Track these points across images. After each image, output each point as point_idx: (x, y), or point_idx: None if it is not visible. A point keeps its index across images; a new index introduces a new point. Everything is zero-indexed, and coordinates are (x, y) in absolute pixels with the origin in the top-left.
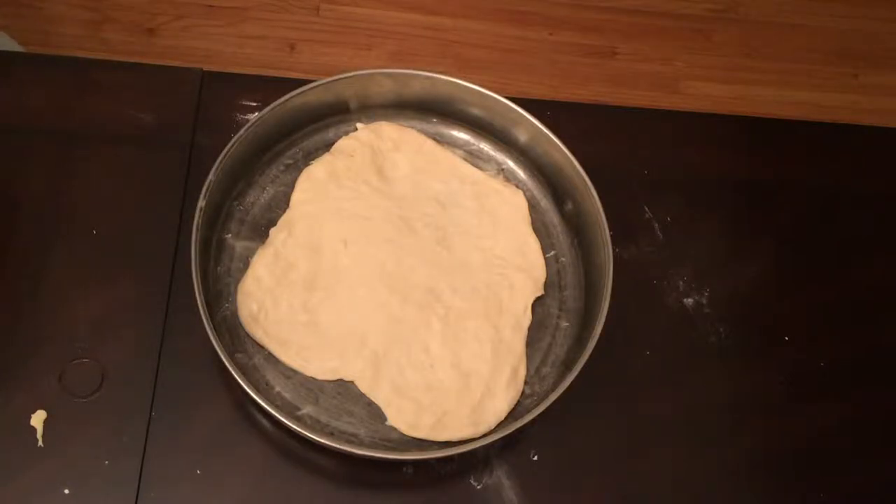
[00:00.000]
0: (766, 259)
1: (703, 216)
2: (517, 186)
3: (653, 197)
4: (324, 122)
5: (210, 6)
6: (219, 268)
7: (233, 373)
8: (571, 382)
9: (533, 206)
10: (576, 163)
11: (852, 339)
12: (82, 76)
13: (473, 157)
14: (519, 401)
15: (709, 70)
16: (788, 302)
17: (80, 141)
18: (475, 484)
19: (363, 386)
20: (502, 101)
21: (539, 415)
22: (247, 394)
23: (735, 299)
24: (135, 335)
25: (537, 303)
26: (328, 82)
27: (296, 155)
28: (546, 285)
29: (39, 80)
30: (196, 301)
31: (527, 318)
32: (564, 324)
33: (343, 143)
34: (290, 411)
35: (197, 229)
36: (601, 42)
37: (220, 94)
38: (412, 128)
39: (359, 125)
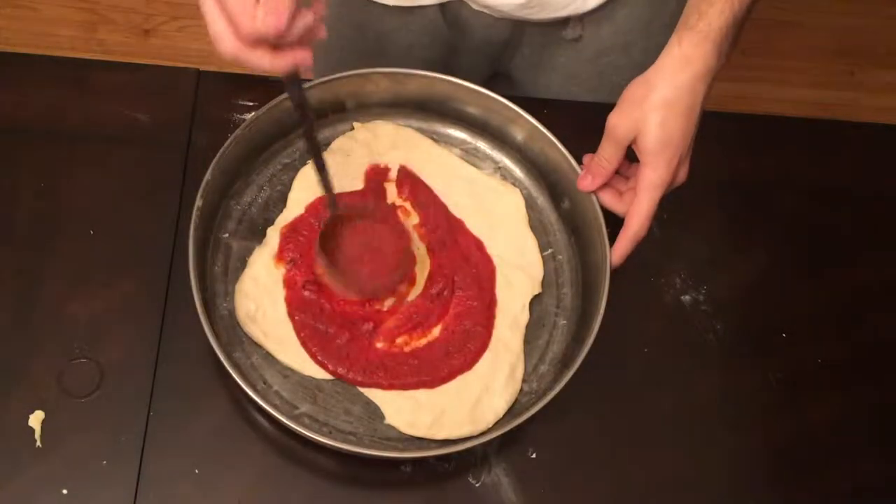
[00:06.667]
0: (764, 256)
1: (700, 213)
2: (514, 185)
3: None
4: (320, 121)
5: None
6: (216, 267)
7: (231, 372)
8: (569, 380)
9: (530, 205)
10: (573, 161)
11: (850, 335)
12: (79, 77)
13: (470, 156)
14: (517, 399)
15: None
16: (786, 298)
17: (76, 141)
18: (474, 482)
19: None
20: (499, 100)
21: (537, 413)
22: (245, 393)
23: (732, 296)
24: (133, 335)
25: (535, 301)
26: (325, 81)
27: (293, 154)
28: (543, 283)
29: (36, 81)
30: (194, 301)
31: (525, 316)
32: (562, 322)
33: (340, 143)
34: (288, 410)
35: (194, 229)
36: None
37: (216, 93)
38: (409, 127)
39: (355, 124)
